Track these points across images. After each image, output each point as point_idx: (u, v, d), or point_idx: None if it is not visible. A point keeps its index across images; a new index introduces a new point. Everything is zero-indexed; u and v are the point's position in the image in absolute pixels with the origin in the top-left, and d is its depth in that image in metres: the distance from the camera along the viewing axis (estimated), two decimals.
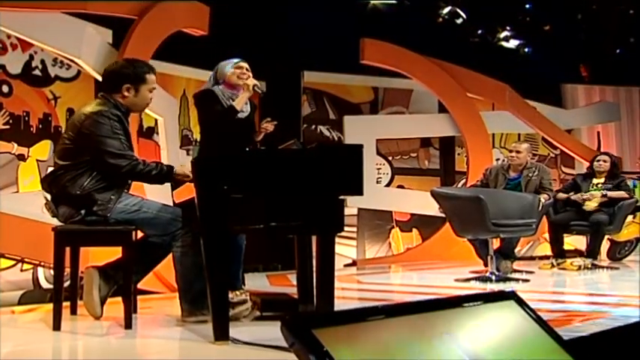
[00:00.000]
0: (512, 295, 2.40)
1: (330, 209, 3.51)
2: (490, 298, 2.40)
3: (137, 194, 4.30)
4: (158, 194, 4.86)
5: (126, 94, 4.08)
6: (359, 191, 3.51)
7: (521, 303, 2.37)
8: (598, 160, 7.88)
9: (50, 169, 4.98)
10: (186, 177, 3.97)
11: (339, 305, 3.74)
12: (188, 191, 3.99)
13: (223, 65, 4.73)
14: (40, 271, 6.10)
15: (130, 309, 3.93)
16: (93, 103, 4.15)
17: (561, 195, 7.75)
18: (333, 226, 3.56)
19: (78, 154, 3.97)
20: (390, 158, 9.22)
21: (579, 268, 7.36)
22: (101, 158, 3.90)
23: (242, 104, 4.60)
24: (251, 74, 4.70)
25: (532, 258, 9.24)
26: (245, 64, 4.73)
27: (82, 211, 3.94)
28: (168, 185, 4.27)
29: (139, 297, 4.52)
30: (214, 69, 4.78)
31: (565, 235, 7.79)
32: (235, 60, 4.73)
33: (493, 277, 6.38)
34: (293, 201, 3.48)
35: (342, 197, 3.59)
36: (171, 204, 4.42)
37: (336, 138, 8.71)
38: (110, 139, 3.91)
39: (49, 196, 4.07)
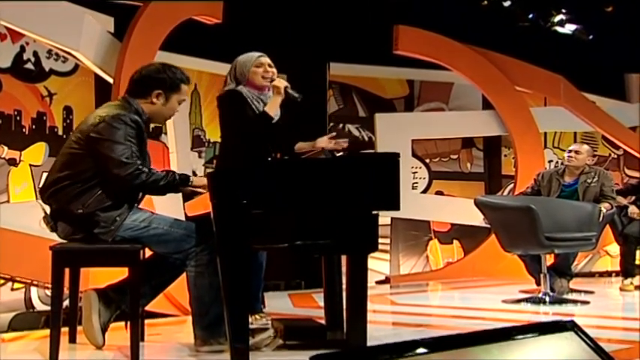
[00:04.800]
0: (571, 326, 2.42)
1: (363, 226, 3.52)
2: (546, 328, 2.41)
3: (147, 208, 4.30)
4: (169, 207, 4.90)
5: (155, 100, 4.10)
6: (394, 206, 3.52)
7: (582, 334, 2.39)
8: None
9: (45, 174, 5.05)
10: (202, 189, 3.96)
11: (371, 330, 3.75)
12: (202, 205, 4.02)
13: (242, 64, 4.68)
14: (34, 290, 6.14)
15: (137, 336, 3.94)
16: (111, 105, 4.16)
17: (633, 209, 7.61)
18: (366, 244, 3.58)
19: (82, 162, 3.97)
20: (428, 161, 9.23)
21: None
22: (105, 166, 3.90)
23: (275, 110, 4.53)
24: (275, 70, 4.66)
25: (591, 274, 9.20)
26: (266, 60, 4.68)
27: (82, 234, 3.95)
28: (179, 197, 4.30)
29: (146, 321, 4.54)
30: (231, 66, 4.73)
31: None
32: (254, 55, 4.69)
33: (547, 298, 6.35)
34: (320, 217, 3.49)
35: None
36: (182, 218, 4.44)
37: (366, 138, 8.74)
38: (119, 145, 3.88)
39: (48, 209, 4.06)
